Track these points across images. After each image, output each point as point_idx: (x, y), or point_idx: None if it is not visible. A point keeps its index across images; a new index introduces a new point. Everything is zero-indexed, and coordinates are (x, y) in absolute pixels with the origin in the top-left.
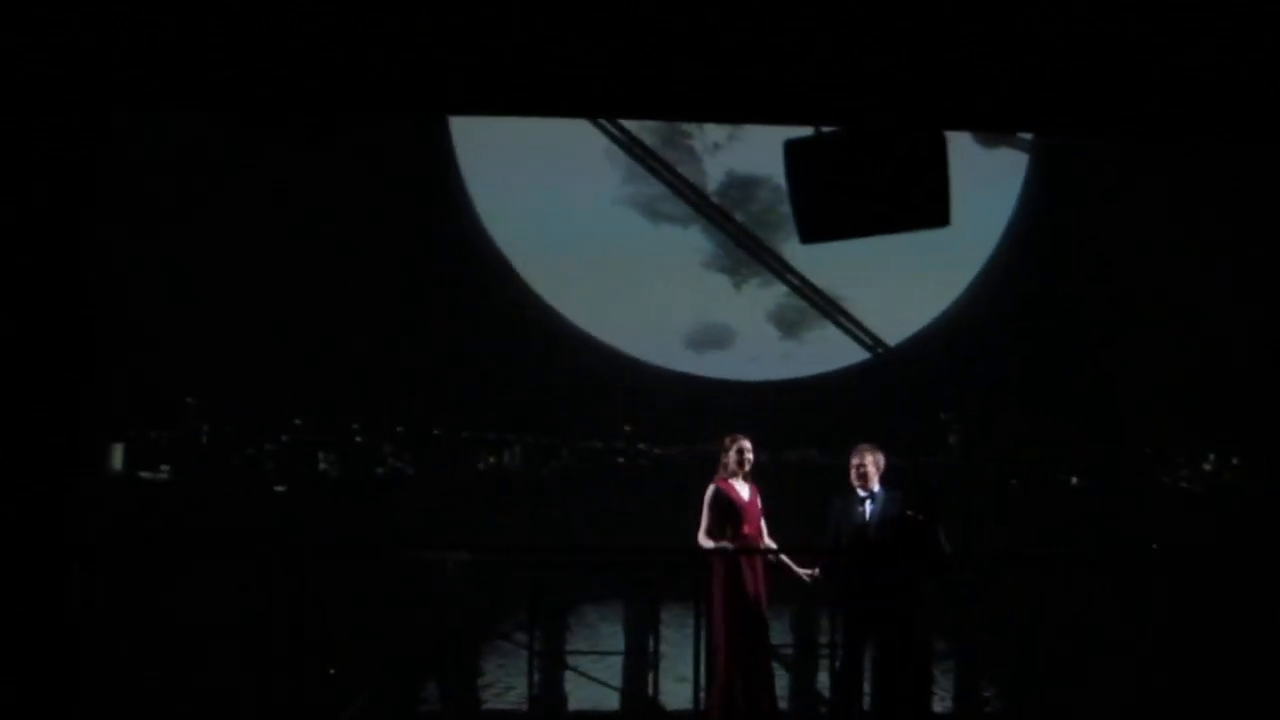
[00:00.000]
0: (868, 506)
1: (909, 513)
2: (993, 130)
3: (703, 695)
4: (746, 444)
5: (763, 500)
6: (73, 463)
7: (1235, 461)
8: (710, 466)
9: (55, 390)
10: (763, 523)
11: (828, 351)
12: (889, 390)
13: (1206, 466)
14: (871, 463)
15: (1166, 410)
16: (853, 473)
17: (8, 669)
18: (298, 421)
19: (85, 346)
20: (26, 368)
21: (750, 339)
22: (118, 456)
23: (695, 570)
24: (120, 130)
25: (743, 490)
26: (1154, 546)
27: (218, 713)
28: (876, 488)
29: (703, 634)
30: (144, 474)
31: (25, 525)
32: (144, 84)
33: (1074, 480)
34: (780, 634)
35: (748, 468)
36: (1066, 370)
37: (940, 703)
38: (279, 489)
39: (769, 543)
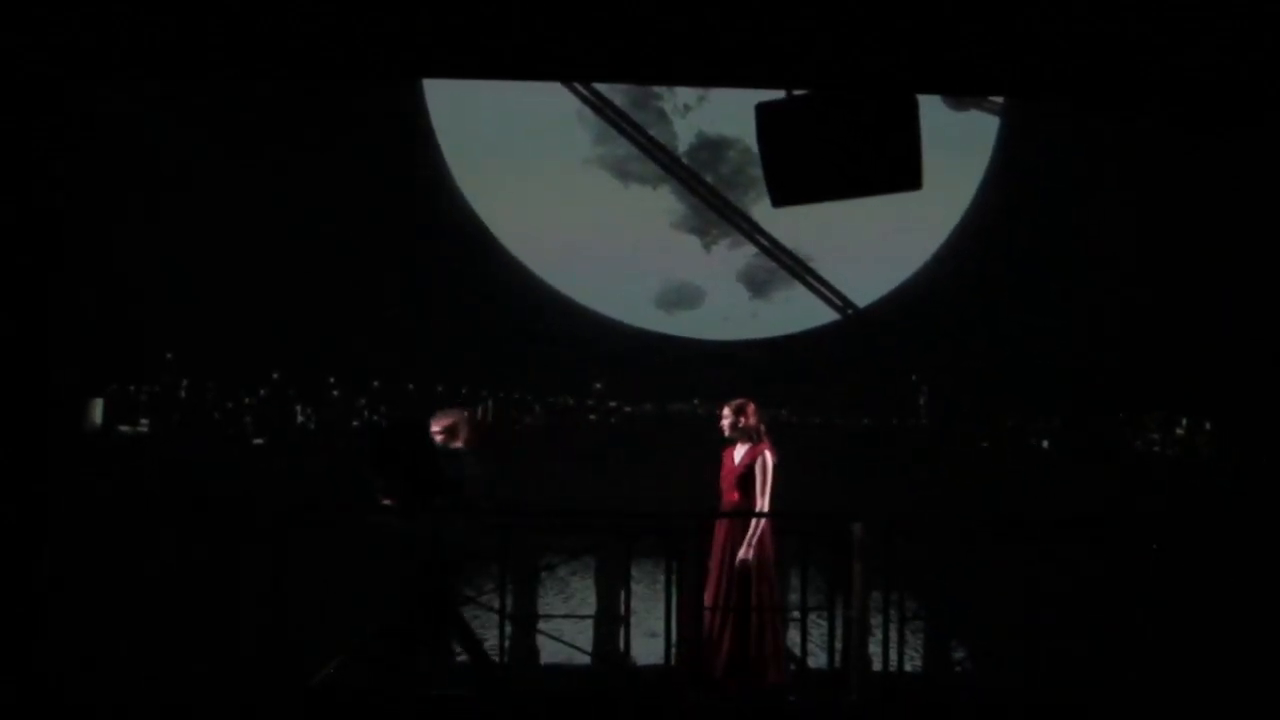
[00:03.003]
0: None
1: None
2: (964, 93)
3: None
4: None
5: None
6: (42, 421)
7: (1207, 426)
8: (687, 424)
9: (22, 352)
10: (732, 484)
11: (797, 312)
12: (858, 351)
13: (1179, 431)
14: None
15: (1139, 375)
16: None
17: None
18: (276, 376)
19: (46, 305)
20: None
21: (720, 299)
22: (98, 411)
23: (669, 532)
24: (102, 94)
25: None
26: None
27: (189, 674)
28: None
29: (677, 594)
30: (123, 428)
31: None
32: (106, 53)
33: (1045, 444)
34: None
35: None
36: (1037, 334)
37: (911, 663)
38: (257, 442)
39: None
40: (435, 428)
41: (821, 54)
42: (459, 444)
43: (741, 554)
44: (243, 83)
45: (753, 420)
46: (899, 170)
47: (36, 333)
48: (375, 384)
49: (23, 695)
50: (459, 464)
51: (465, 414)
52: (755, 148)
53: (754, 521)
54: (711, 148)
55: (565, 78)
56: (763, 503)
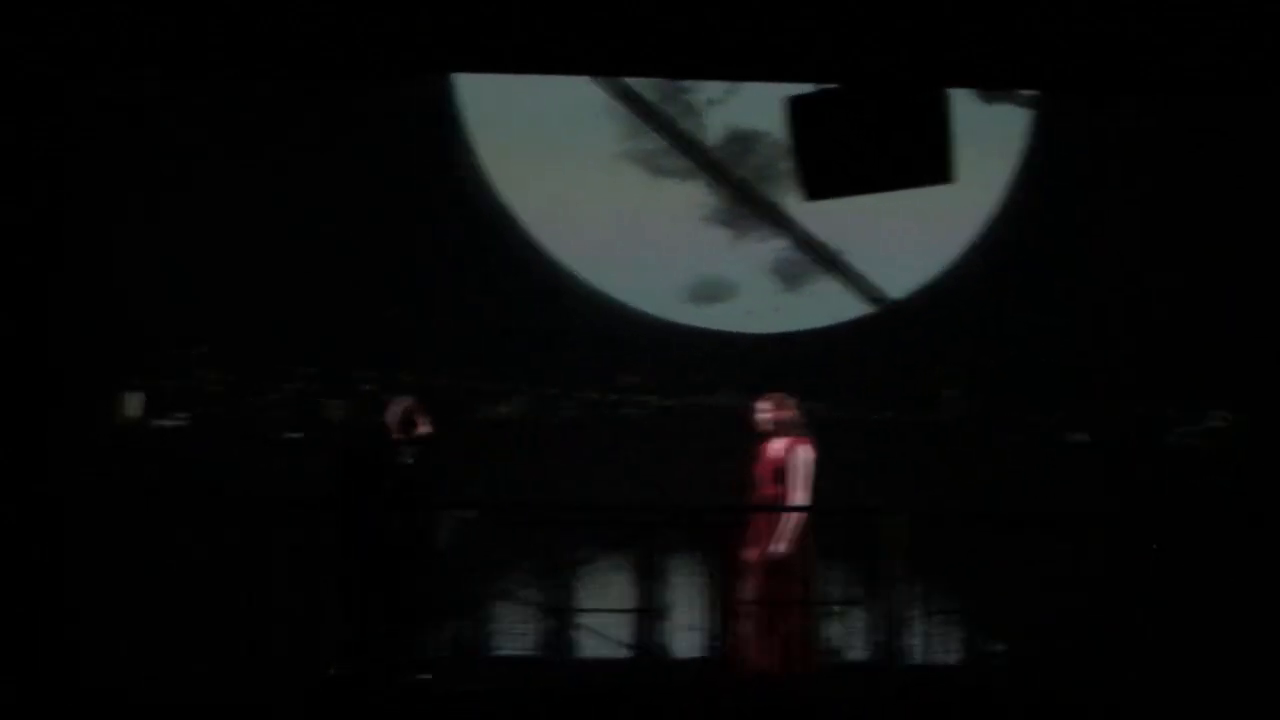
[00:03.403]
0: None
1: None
2: (995, 87)
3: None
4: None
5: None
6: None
7: (1232, 419)
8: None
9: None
10: (769, 477)
11: (829, 305)
12: (890, 344)
13: (1213, 424)
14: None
15: (1171, 367)
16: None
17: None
18: (309, 369)
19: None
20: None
21: (752, 292)
22: (135, 405)
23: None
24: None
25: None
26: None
27: (216, 666)
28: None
29: (713, 587)
30: (161, 422)
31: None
32: (110, 52)
33: (1076, 437)
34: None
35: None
36: (1069, 326)
37: (945, 656)
38: (290, 436)
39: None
40: (390, 420)
41: (852, 48)
42: (421, 431)
43: (773, 547)
44: (255, 80)
45: (789, 414)
46: (931, 164)
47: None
48: (405, 378)
49: (41, 687)
50: (426, 453)
51: (415, 402)
52: (786, 141)
53: (789, 515)
54: (742, 141)
55: (596, 72)
56: (798, 496)
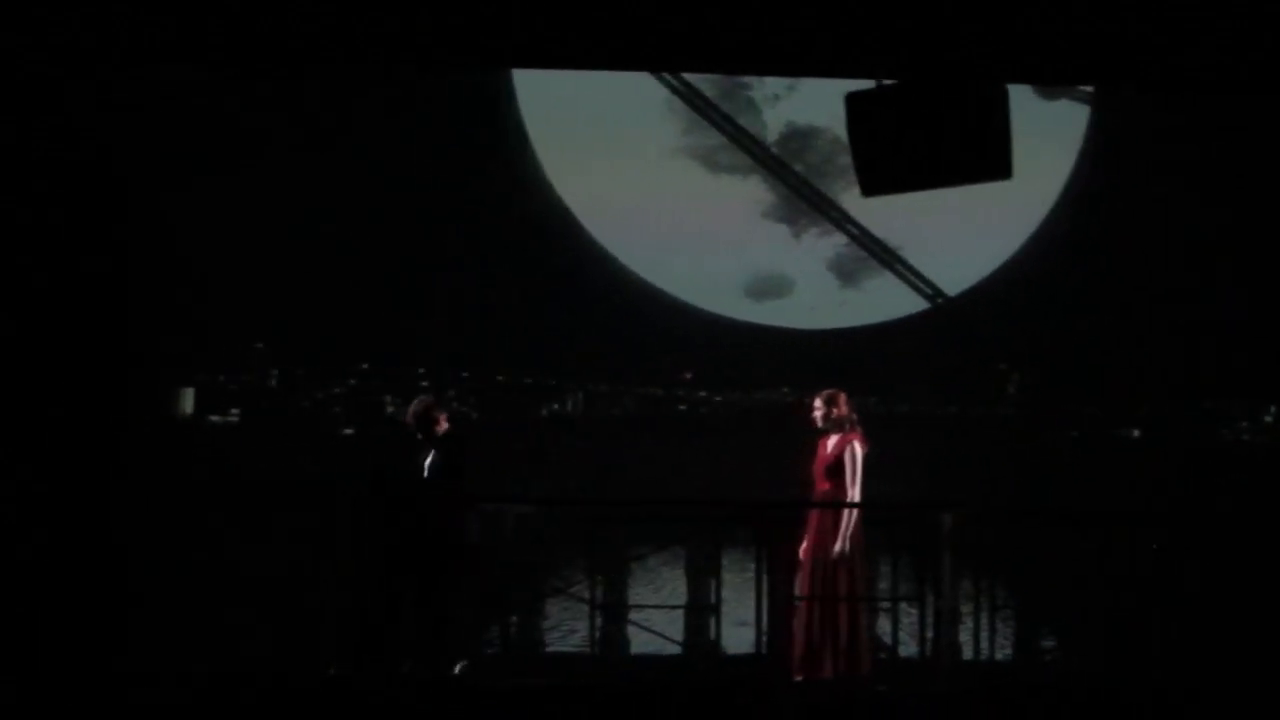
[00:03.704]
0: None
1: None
2: (1054, 83)
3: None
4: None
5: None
6: (119, 409)
7: None
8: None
9: (97, 340)
10: (822, 474)
11: (887, 300)
12: (947, 339)
13: (1268, 419)
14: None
15: (1227, 363)
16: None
17: (59, 615)
18: (365, 366)
19: (123, 293)
20: (65, 320)
21: (809, 288)
22: (188, 401)
23: (760, 521)
24: (185, 81)
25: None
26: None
27: (267, 657)
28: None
29: (767, 583)
30: (214, 418)
31: (78, 475)
32: (164, 40)
33: (1134, 433)
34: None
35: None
36: (1126, 322)
37: (1000, 652)
38: (347, 432)
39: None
40: (410, 419)
41: (911, 43)
42: (441, 429)
43: (836, 547)
44: (308, 73)
45: (844, 410)
46: (989, 159)
47: (114, 327)
48: (464, 375)
49: (102, 676)
50: (453, 450)
51: (433, 400)
52: (844, 137)
53: (845, 512)
54: (801, 137)
55: (654, 68)
56: (853, 493)
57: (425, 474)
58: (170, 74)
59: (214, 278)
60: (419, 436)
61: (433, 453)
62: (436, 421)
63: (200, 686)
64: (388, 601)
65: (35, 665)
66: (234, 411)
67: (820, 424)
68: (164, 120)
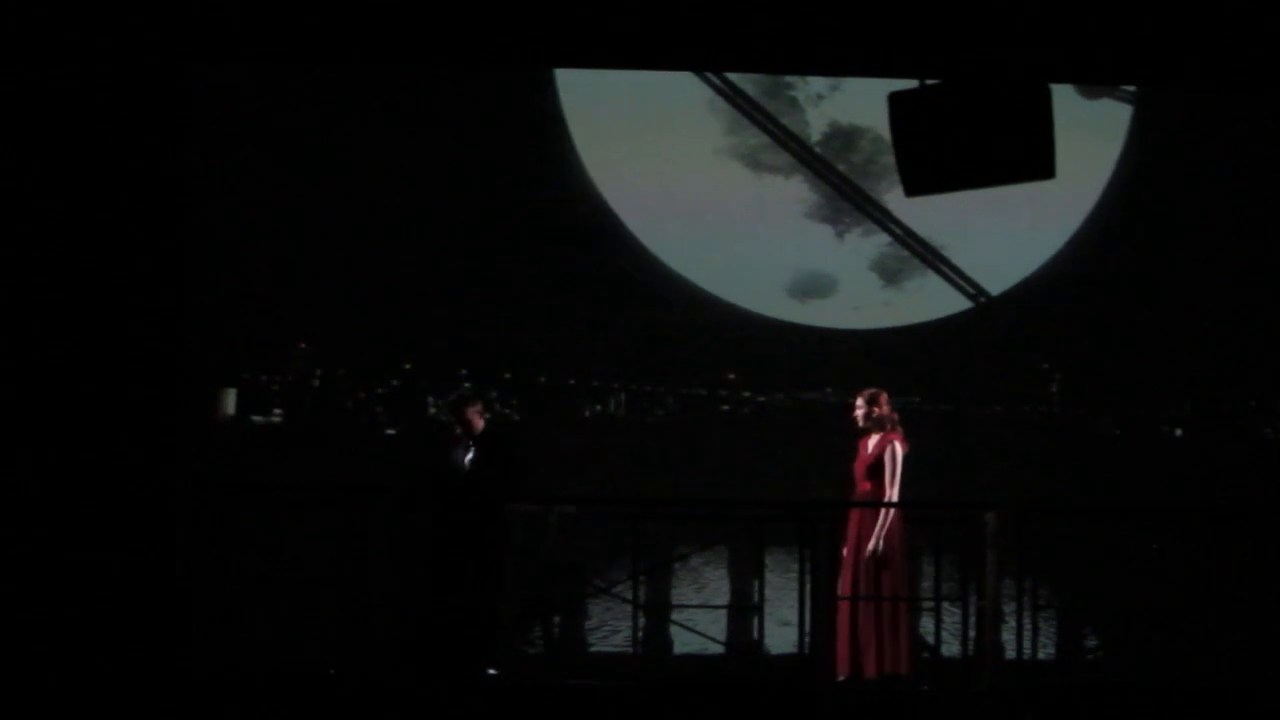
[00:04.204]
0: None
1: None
2: (1097, 82)
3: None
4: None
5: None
6: (174, 408)
7: None
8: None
9: (154, 337)
10: (863, 473)
11: (930, 300)
12: (991, 339)
13: None
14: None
15: (1270, 362)
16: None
17: (121, 613)
18: (408, 366)
19: (181, 291)
20: (124, 316)
21: (853, 288)
22: (230, 401)
23: (803, 521)
24: (231, 80)
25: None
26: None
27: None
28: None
29: (810, 584)
30: (256, 418)
31: (135, 473)
32: (230, 34)
33: (1177, 432)
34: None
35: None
36: (1170, 321)
37: (1043, 651)
38: (390, 433)
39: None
40: (449, 417)
41: (954, 43)
42: (477, 427)
43: (870, 545)
44: (358, 67)
45: (885, 410)
46: (1032, 159)
47: (168, 323)
48: (507, 375)
49: (168, 670)
50: (495, 449)
51: (470, 397)
52: (888, 136)
53: (883, 511)
54: (844, 137)
55: (697, 68)
56: (892, 493)
57: (465, 470)
58: (215, 73)
59: (257, 277)
60: (457, 431)
61: (472, 450)
62: (466, 416)
63: (245, 685)
64: (429, 601)
65: (94, 665)
66: (276, 412)
67: (861, 423)
68: (209, 119)
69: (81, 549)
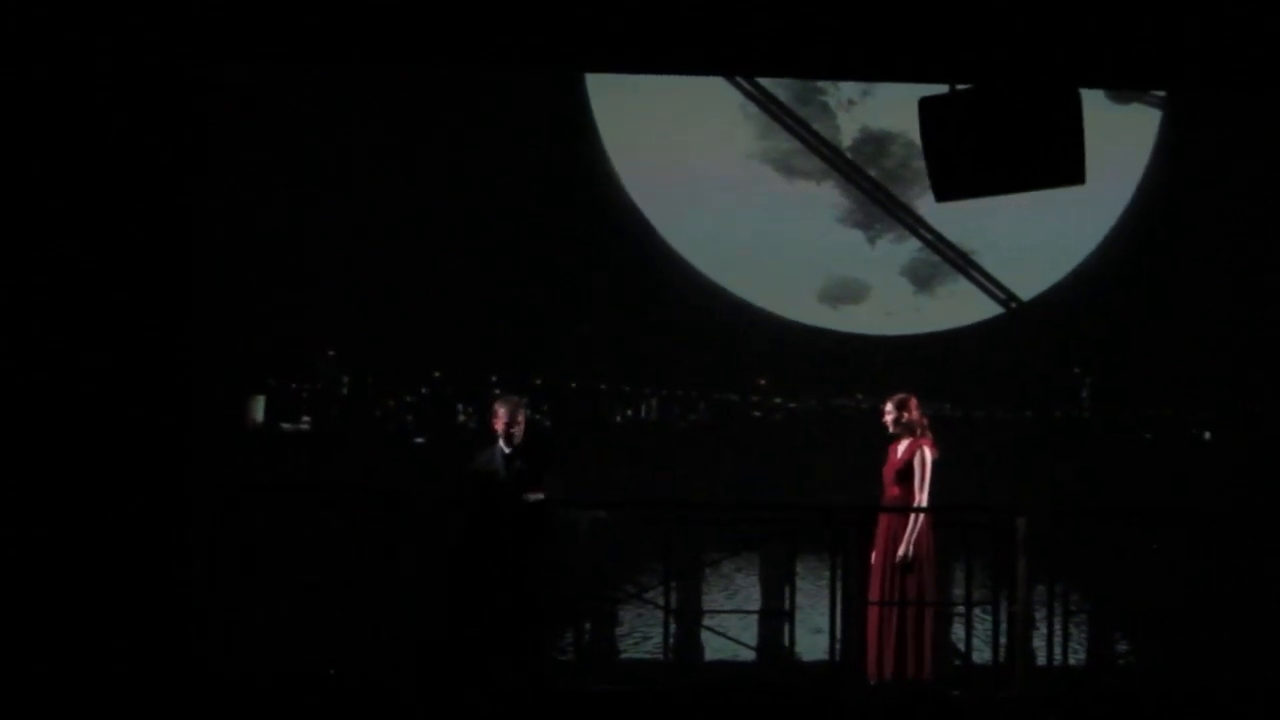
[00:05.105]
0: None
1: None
2: (1127, 88)
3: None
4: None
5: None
6: (179, 409)
7: None
8: (847, 419)
9: (158, 337)
10: (892, 479)
11: (961, 306)
12: (1022, 344)
13: None
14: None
15: None
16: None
17: (130, 615)
18: (437, 374)
19: (187, 291)
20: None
21: (884, 293)
22: (259, 408)
23: (834, 526)
24: (262, 85)
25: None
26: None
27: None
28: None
29: (841, 589)
30: (285, 425)
31: (136, 473)
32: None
33: (1206, 435)
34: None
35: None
36: (1199, 326)
37: (1075, 657)
38: (418, 440)
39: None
40: (503, 418)
41: (984, 49)
42: (517, 430)
43: (900, 551)
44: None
45: (914, 415)
46: (1062, 164)
47: (173, 324)
48: (538, 382)
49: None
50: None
51: (517, 401)
52: (919, 142)
53: (912, 517)
54: (875, 142)
55: (729, 72)
56: (921, 498)
57: (507, 474)
58: (239, 74)
59: (285, 284)
60: (503, 434)
61: (514, 453)
62: (516, 424)
63: (270, 688)
64: (467, 607)
65: (92, 665)
66: (305, 419)
67: (891, 429)
68: (235, 123)
69: (82, 549)
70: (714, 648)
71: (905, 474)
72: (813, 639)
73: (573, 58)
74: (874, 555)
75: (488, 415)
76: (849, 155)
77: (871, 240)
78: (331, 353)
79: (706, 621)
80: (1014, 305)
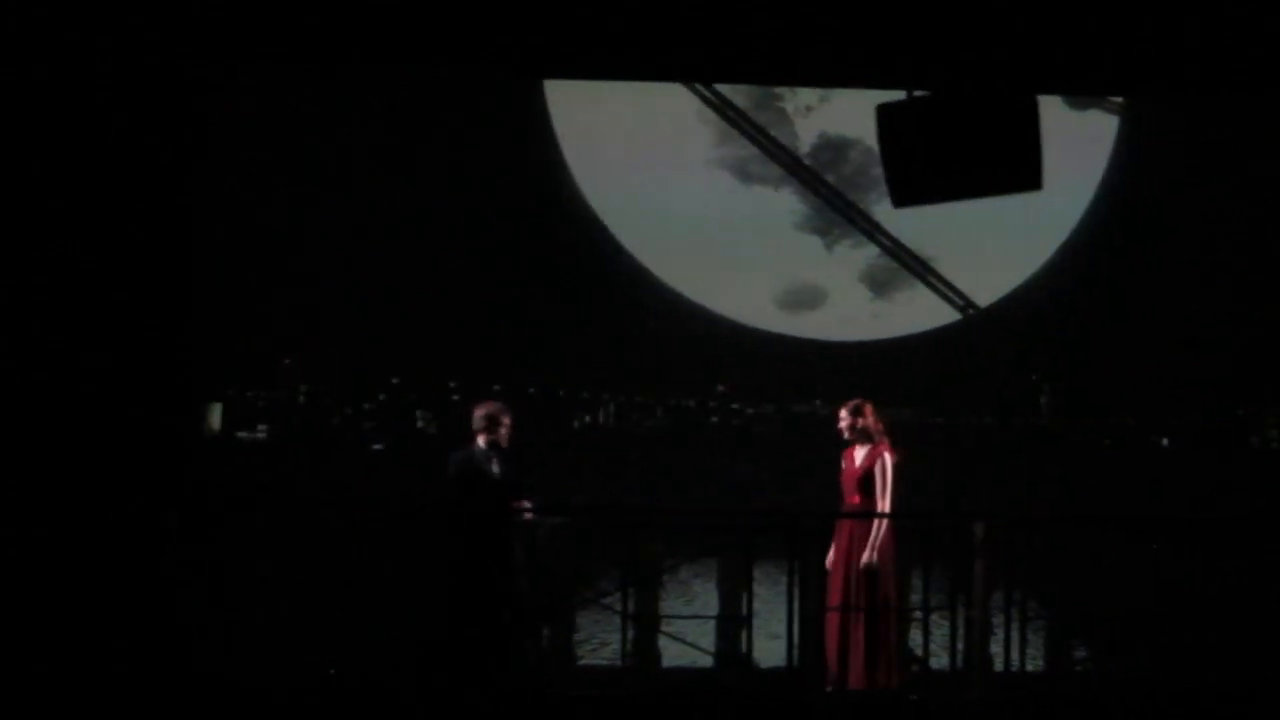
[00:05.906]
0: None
1: None
2: (1084, 93)
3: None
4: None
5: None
6: (177, 411)
7: None
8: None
9: (159, 349)
10: (853, 487)
11: (918, 311)
12: (980, 350)
13: None
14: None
15: (1256, 371)
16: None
17: (130, 616)
18: (395, 380)
19: (187, 293)
20: (126, 317)
21: (842, 300)
22: (216, 416)
23: (792, 532)
24: (226, 89)
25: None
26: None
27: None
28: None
29: (799, 595)
30: (241, 434)
31: (133, 475)
32: (230, 34)
33: (1164, 441)
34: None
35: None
36: (1156, 331)
37: (1032, 662)
38: (376, 447)
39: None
40: (505, 421)
41: (942, 55)
42: (501, 435)
43: (864, 558)
44: (358, 67)
45: (870, 421)
46: (1019, 170)
47: (172, 325)
48: (496, 388)
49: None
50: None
51: (500, 406)
52: (877, 148)
53: (875, 524)
54: (833, 148)
55: (686, 78)
56: (884, 504)
57: (497, 480)
58: (212, 76)
59: (241, 291)
60: (488, 440)
61: (497, 460)
62: (502, 427)
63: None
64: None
65: (88, 665)
66: (261, 428)
67: (847, 435)
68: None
69: (82, 549)
70: (672, 653)
71: (866, 482)
72: (771, 645)
73: (540, 56)
74: (829, 560)
75: (470, 418)
76: (807, 161)
77: (829, 246)
78: (288, 361)
79: (664, 627)
80: (971, 311)
